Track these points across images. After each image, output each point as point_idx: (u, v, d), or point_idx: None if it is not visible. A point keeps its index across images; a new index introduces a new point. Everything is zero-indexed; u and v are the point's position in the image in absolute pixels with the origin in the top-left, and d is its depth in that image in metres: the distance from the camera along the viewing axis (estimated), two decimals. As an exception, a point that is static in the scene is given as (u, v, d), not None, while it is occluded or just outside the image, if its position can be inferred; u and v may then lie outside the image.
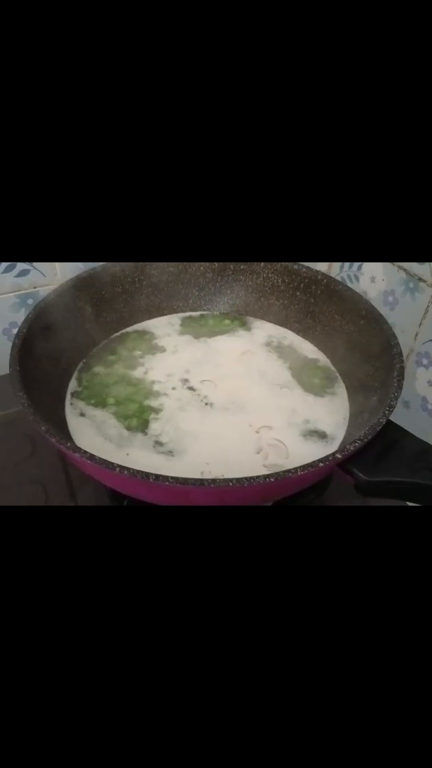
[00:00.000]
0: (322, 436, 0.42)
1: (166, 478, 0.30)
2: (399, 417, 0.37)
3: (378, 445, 0.34)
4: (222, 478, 0.30)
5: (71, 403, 0.44)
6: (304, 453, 0.40)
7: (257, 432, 0.42)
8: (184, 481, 0.30)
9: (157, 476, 0.30)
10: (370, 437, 0.33)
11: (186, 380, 0.47)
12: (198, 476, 0.38)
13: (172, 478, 0.30)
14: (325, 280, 0.50)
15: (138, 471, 0.30)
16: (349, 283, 0.61)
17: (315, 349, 0.51)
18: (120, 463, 0.38)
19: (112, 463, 0.30)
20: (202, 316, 0.55)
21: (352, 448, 0.32)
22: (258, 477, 0.30)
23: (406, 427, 0.36)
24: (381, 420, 0.34)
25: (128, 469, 0.30)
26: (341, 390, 0.46)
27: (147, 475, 0.30)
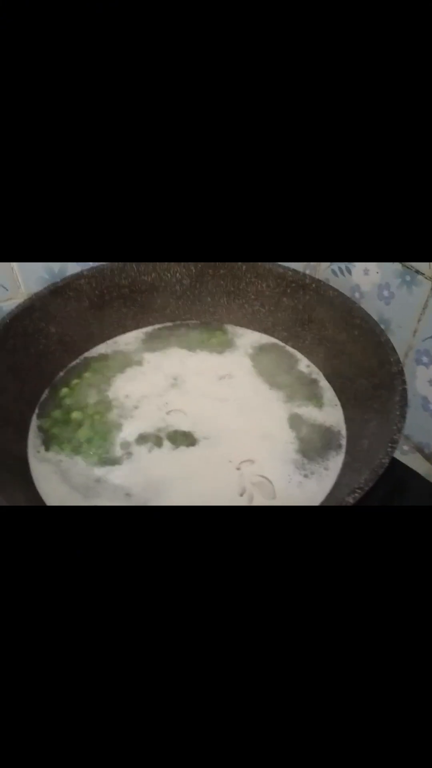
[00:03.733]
0: (313, 467, 0.38)
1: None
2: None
3: (379, 491, 0.30)
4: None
5: (34, 445, 0.39)
6: (293, 491, 0.36)
7: (238, 468, 0.37)
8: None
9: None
10: (371, 484, 0.29)
11: (157, 411, 0.41)
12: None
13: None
14: (314, 285, 0.45)
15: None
16: (340, 276, 0.56)
17: (306, 360, 0.46)
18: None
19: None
20: (179, 326, 0.50)
21: (351, 500, 0.28)
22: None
23: (406, 428, 0.32)
24: (383, 460, 0.30)
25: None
26: (336, 410, 0.42)
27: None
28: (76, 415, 0.41)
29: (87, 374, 0.44)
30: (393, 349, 0.38)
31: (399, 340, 0.49)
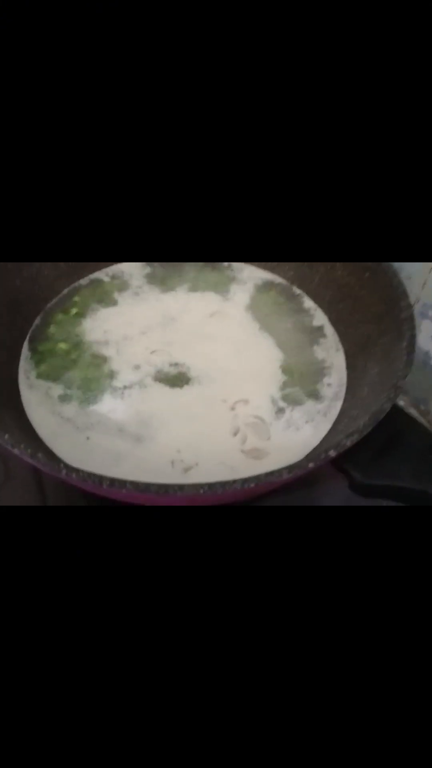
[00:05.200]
0: (310, 412, 0.37)
1: (123, 483, 0.25)
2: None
3: (379, 437, 0.29)
4: (191, 483, 0.25)
5: (24, 370, 0.38)
6: (288, 434, 0.35)
7: (232, 409, 0.36)
8: (145, 488, 0.25)
9: (112, 482, 0.25)
10: (369, 428, 0.28)
11: (151, 346, 0.40)
12: (168, 466, 0.33)
13: (131, 483, 0.25)
14: (326, 222, 0.42)
15: (89, 474, 0.25)
16: (353, 220, 0.53)
17: (310, 302, 0.44)
18: (81, 448, 0.34)
19: (58, 465, 0.25)
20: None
21: (348, 443, 0.27)
22: (234, 482, 0.25)
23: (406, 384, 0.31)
24: (385, 406, 0.29)
25: (76, 471, 0.25)
26: (337, 356, 0.40)
27: (100, 479, 0.25)
28: (66, 345, 0.39)
29: (81, 302, 0.42)
30: (405, 293, 0.36)
31: (407, 291, 0.47)
